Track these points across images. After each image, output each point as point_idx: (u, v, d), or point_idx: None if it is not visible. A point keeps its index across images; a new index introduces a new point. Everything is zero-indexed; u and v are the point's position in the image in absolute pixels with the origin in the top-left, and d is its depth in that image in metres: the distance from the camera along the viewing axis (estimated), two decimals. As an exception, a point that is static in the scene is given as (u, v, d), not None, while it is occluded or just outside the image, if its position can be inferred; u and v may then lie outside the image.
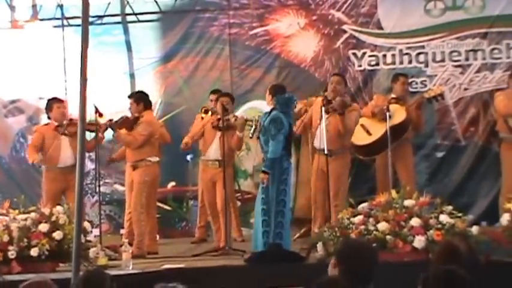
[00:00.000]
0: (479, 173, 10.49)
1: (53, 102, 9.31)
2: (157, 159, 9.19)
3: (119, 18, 11.54)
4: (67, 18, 11.32)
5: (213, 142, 9.13)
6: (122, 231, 9.60)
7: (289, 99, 8.36)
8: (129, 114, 9.22)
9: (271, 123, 8.14)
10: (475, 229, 7.38)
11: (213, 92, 9.91)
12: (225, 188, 8.84)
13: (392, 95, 9.72)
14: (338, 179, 8.88)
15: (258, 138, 8.43)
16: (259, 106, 10.90)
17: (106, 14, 11.40)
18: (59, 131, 9.09)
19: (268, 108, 8.43)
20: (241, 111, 9.59)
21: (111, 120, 8.98)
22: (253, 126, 8.50)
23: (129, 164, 9.12)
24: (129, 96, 9.33)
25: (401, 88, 9.76)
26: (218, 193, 9.07)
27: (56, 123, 9.18)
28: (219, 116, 8.98)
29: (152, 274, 7.46)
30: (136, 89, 11.16)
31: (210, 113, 9.17)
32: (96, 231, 8.87)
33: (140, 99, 9.22)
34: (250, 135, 8.61)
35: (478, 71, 10.64)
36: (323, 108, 8.66)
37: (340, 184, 8.92)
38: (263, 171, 8.09)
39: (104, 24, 11.47)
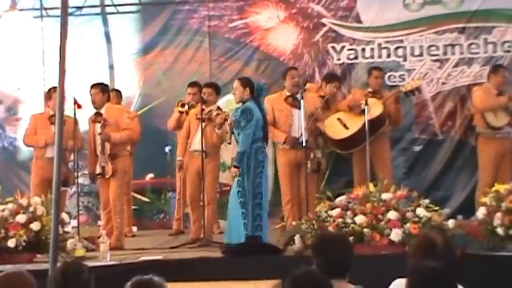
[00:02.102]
0: (456, 167, 10.58)
1: (54, 91, 9.12)
2: (129, 149, 9.24)
3: (98, 10, 11.52)
4: (46, 9, 11.29)
5: (197, 133, 9.08)
6: (100, 222, 9.60)
7: (262, 86, 8.35)
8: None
9: (241, 114, 8.10)
10: (451, 222, 7.42)
11: (191, 84, 9.87)
12: (203, 180, 8.83)
13: (369, 89, 9.77)
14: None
15: (233, 133, 8.41)
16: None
17: (85, 5, 11.36)
18: (52, 121, 9.00)
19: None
20: (220, 104, 9.57)
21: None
22: (228, 133, 8.42)
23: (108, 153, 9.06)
24: (93, 86, 9.10)
25: (374, 82, 9.81)
26: (205, 184, 9.00)
27: (52, 113, 9.06)
28: (203, 107, 8.96)
29: (130, 266, 7.45)
30: (116, 81, 11.19)
31: (186, 106, 9.14)
32: (74, 223, 8.86)
33: (105, 90, 9.16)
34: (229, 141, 8.56)
35: (455, 66, 10.72)
36: (302, 103, 8.67)
37: (319, 177, 8.96)
38: (234, 166, 8.07)
39: (83, 15, 11.43)
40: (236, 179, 8.10)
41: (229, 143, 8.71)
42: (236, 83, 8.26)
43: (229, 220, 8.21)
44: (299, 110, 8.82)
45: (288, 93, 9.11)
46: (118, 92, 10.39)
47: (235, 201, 8.04)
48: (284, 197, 9.06)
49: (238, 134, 8.13)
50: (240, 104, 8.21)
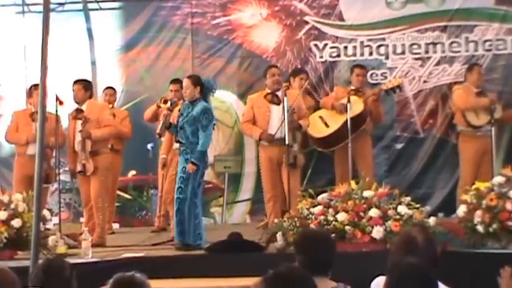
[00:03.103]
0: (437, 165, 10.63)
1: (35, 89, 9.08)
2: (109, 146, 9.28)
3: (80, 6, 11.46)
4: (28, 5, 11.21)
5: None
6: (82, 219, 9.57)
7: (212, 84, 8.39)
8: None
9: (203, 114, 8.08)
10: (432, 220, 7.46)
11: (173, 81, 9.86)
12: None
13: (352, 87, 9.81)
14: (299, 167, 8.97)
15: (167, 129, 8.39)
16: (221, 96, 10.92)
17: (68, 1, 11.31)
18: (33, 118, 8.97)
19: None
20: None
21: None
22: (162, 122, 8.40)
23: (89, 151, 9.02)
24: (76, 82, 9.06)
25: (356, 79, 9.86)
26: None
27: (34, 110, 9.03)
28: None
29: (112, 263, 7.44)
30: (98, 77, 11.15)
31: (169, 103, 9.14)
32: (55, 220, 8.84)
33: (88, 87, 9.13)
34: (158, 130, 8.53)
35: (437, 64, 10.76)
36: (285, 99, 8.68)
37: (300, 173, 8.97)
38: (192, 163, 8.02)
39: (66, 11, 11.37)
40: (179, 175, 8.09)
41: (159, 134, 8.79)
42: (187, 82, 8.26)
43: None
44: (278, 107, 8.85)
45: (268, 91, 9.14)
46: (113, 90, 10.42)
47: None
48: (266, 194, 9.09)
49: (193, 131, 8.11)
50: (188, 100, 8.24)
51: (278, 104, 8.89)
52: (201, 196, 8.33)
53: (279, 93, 8.96)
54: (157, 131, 8.69)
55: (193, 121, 8.11)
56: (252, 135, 9.30)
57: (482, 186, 7.47)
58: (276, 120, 8.90)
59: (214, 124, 8.27)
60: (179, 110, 8.38)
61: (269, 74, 9.20)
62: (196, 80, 8.27)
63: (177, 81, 9.75)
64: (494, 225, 7.15)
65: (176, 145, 8.89)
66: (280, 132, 8.82)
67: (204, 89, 8.23)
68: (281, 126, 8.72)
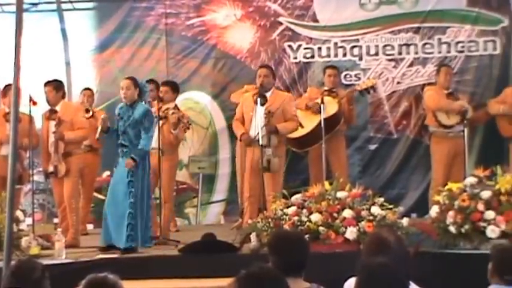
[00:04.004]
0: (411, 165, 10.69)
1: (9, 89, 8.97)
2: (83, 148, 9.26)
3: (54, 6, 11.41)
4: (1, 5, 11.14)
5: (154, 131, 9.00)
6: (56, 220, 9.53)
7: (144, 87, 8.46)
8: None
9: (144, 116, 8.15)
10: (405, 221, 7.52)
11: (147, 82, 9.81)
12: (159, 178, 8.81)
13: (325, 88, 9.85)
14: (276, 171, 8.81)
15: (105, 133, 8.37)
16: (195, 97, 10.94)
17: (41, 1, 11.26)
18: (7, 118, 8.89)
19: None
20: (176, 102, 9.56)
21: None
22: (100, 126, 8.35)
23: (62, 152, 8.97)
24: (47, 84, 8.98)
25: (328, 80, 9.91)
26: (162, 183, 8.98)
27: (7, 110, 8.95)
28: (161, 105, 8.94)
29: (86, 263, 7.43)
30: (72, 78, 11.10)
31: (143, 103, 9.11)
32: (29, 220, 8.79)
33: (60, 87, 9.07)
34: (97, 135, 8.47)
35: (410, 65, 10.82)
36: (259, 100, 8.68)
37: (278, 176, 8.88)
38: (132, 158, 8.05)
39: (39, 11, 11.32)
40: (127, 180, 8.07)
41: (98, 138, 8.79)
42: (129, 83, 8.28)
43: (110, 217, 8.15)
44: (262, 108, 8.76)
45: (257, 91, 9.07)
46: (91, 91, 10.38)
47: (124, 200, 8.04)
48: (245, 193, 9.05)
49: (136, 134, 8.14)
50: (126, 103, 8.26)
51: (263, 105, 8.80)
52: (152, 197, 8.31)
53: (268, 94, 8.91)
54: (96, 136, 8.59)
55: (136, 124, 8.16)
56: (236, 134, 9.23)
57: (454, 187, 7.52)
58: (258, 121, 8.79)
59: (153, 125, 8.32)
60: (119, 114, 8.31)
61: (257, 74, 9.15)
62: (136, 82, 8.32)
63: (151, 81, 9.73)
64: (466, 226, 7.20)
65: (152, 144, 8.89)
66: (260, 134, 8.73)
67: (141, 91, 8.25)
68: (261, 129, 8.63)
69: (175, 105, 9.29)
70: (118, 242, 8.00)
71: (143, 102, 8.33)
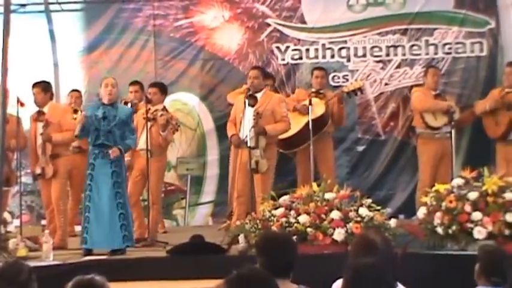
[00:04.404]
0: (398, 167, 10.72)
1: None
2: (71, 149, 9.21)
3: (42, 7, 11.39)
4: (-12, 6, 11.12)
5: (143, 132, 8.99)
6: (44, 222, 9.51)
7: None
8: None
9: (129, 117, 8.27)
10: (393, 222, 7.52)
11: (132, 83, 9.84)
12: (148, 179, 8.80)
13: (313, 89, 9.87)
14: (265, 172, 8.79)
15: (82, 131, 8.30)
16: (183, 98, 10.94)
17: (29, 2, 11.24)
18: None
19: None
20: (164, 103, 9.56)
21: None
22: (80, 125, 8.21)
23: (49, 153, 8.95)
24: (35, 85, 8.93)
25: (315, 81, 9.94)
26: (150, 184, 8.95)
27: None
28: (149, 107, 8.93)
29: (73, 265, 7.41)
30: (60, 79, 11.08)
31: (129, 105, 9.12)
32: (16, 222, 8.77)
33: (47, 89, 9.04)
34: (77, 132, 8.27)
35: (398, 67, 10.86)
36: (247, 101, 8.69)
37: (267, 177, 8.87)
38: (118, 149, 8.08)
39: (27, 12, 11.30)
40: (112, 181, 8.07)
41: (78, 136, 8.60)
42: (115, 81, 8.29)
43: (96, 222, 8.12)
44: (252, 109, 8.74)
45: (250, 92, 9.06)
46: (79, 92, 10.35)
47: (110, 201, 8.05)
48: (234, 193, 9.04)
49: (121, 134, 8.16)
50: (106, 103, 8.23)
51: (252, 106, 8.78)
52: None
53: (259, 95, 8.90)
54: (76, 132, 8.43)
55: (122, 124, 8.17)
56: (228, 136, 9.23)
57: (441, 188, 7.54)
58: (247, 123, 8.79)
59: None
60: (103, 113, 8.18)
61: (248, 76, 9.15)
62: (116, 83, 8.33)
63: (136, 82, 9.82)
64: (454, 227, 7.22)
65: (138, 146, 8.89)
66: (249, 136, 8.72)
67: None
68: (249, 130, 8.63)
69: (164, 107, 9.28)
70: (107, 244, 7.99)
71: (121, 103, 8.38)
